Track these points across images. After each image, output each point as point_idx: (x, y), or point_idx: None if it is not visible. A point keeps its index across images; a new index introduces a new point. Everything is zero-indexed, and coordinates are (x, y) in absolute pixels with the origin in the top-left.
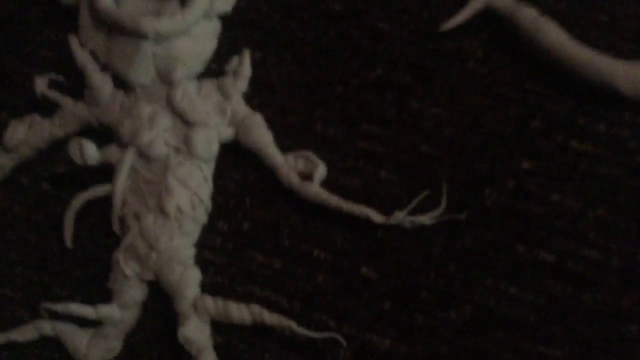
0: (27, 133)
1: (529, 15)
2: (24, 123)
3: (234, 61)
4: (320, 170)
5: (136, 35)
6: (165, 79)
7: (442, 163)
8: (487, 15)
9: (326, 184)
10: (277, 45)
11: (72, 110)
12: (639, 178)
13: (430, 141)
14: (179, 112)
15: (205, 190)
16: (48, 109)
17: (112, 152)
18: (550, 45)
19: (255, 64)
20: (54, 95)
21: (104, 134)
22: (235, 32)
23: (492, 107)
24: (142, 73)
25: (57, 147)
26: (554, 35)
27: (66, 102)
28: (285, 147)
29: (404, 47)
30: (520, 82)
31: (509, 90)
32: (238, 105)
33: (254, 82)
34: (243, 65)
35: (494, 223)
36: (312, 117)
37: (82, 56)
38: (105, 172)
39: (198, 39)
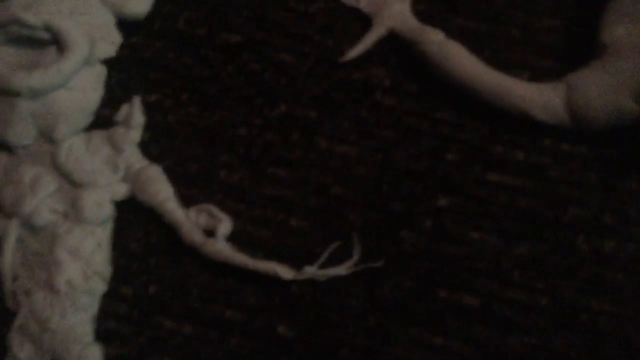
0: None
1: (435, 40)
2: None
3: (124, 109)
4: (224, 226)
5: (9, 92)
6: (48, 137)
7: (355, 206)
8: (393, 41)
9: (234, 235)
10: (173, 85)
11: None
12: (562, 209)
13: (340, 182)
14: (65, 172)
15: (101, 257)
16: None
17: None
18: (459, 71)
19: (150, 108)
20: None
21: None
22: (126, 73)
23: (403, 141)
24: (22, 133)
25: None
26: (462, 60)
27: None
28: (188, 198)
29: (307, 80)
30: (432, 112)
31: (419, 121)
32: (132, 157)
33: (150, 127)
34: (134, 113)
35: (413, 268)
36: (214, 163)
37: None
38: None
39: (80, 89)
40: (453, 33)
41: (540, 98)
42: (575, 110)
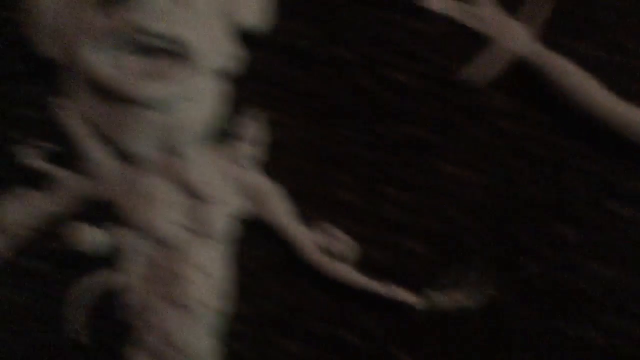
0: (19, 212)
1: (565, 69)
2: (14, 200)
3: (246, 125)
4: (346, 247)
5: (134, 102)
6: (170, 148)
7: (476, 232)
8: (517, 66)
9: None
10: (289, 100)
11: (66, 183)
12: None
13: (459, 207)
14: (189, 187)
15: (225, 274)
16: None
17: (116, 233)
18: (586, 100)
19: (269, 124)
20: (44, 166)
21: (103, 209)
22: (243, 89)
23: (526, 168)
24: (144, 145)
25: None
26: (589, 89)
27: (58, 174)
28: (303, 216)
29: (425, 101)
30: (557, 140)
31: (544, 149)
32: (253, 175)
33: (267, 144)
34: (254, 130)
35: (534, 298)
36: (331, 181)
37: (74, 125)
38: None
39: (203, 102)
40: (575, 60)
41: None
42: None
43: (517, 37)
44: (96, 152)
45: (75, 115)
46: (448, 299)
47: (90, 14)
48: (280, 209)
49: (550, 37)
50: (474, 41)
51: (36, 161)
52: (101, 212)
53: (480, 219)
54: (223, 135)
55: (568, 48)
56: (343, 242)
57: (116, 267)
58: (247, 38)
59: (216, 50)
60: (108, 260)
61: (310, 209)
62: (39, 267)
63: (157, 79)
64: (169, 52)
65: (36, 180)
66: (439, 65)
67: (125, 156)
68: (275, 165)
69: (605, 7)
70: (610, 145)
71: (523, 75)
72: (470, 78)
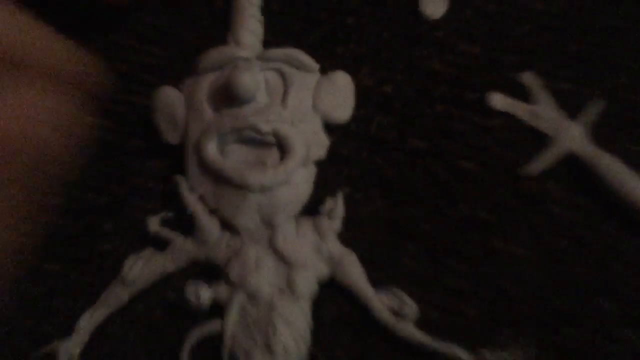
0: (143, 268)
1: (612, 166)
2: (140, 258)
3: (329, 202)
4: (412, 310)
5: (244, 187)
6: (268, 223)
7: (525, 302)
8: (570, 160)
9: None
10: (366, 181)
11: (182, 247)
12: None
13: (511, 279)
14: (281, 254)
15: (306, 326)
16: (160, 242)
17: (221, 290)
18: (630, 193)
19: (345, 200)
20: (166, 233)
21: (210, 268)
22: (324, 168)
23: (572, 248)
24: (248, 220)
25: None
26: (632, 183)
27: (177, 239)
28: (374, 281)
29: (487, 186)
30: (600, 224)
31: (589, 232)
32: (333, 244)
33: (344, 217)
34: (337, 207)
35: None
36: (399, 252)
37: (191, 201)
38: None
39: (297, 185)
40: (626, 159)
41: None
42: None
43: (572, 136)
44: (208, 225)
45: (192, 194)
46: (497, 357)
47: (208, 112)
48: (355, 274)
49: (603, 135)
50: (533, 136)
51: (160, 228)
52: (209, 272)
53: (529, 291)
54: (311, 210)
55: (618, 147)
56: (408, 305)
57: (220, 318)
58: (333, 129)
59: (310, 142)
60: (213, 312)
61: (380, 274)
62: (154, 313)
63: (261, 168)
64: (267, 143)
65: (159, 244)
66: (501, 155)
67: (230, 227)
68: (353, 237)
69: None
70: None
71: (576, 169)
72: (528, 169)
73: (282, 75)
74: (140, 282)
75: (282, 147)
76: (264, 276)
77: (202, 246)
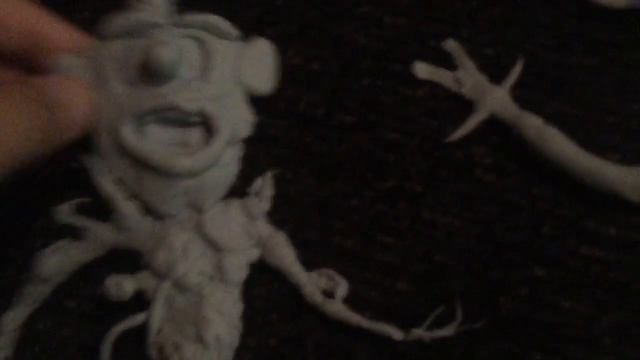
0: (59, 261)
1: (533, 125)
2: (55, 252)
3: (257, 183)
4: (342, 288)
5: (170, 174)
6: (195, 207)
7: (456, 273)
8: (493, 124)
9: (346, 296)
10: (294, 160)
11: (100, 234)
12: None
13: (443, 251)
14: (210, 240)
15: (238, 312)
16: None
17: (145, 280)
18: (555, 154)
19: (274, 180)
20: (79, 221)
21: (132, 256)
22: (253, 149)
23: (502, 214)
24: (174, 206)
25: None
26: (558, 144)
27: (92, 227)
28: (305, 261)
29: (414, 157)
30: (529, 188)
31: (518, 197)
32: (262, 226)
33: (273, 197)
34: (266, 187)
35: (509, 332)
36: (330, 230)
37: (107, 186)
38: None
39: (224, 166)
40: (548, 117)
41: (630, 180)
42: None
43: (494, 99)
44: (126, 210)
45: (108, 179)
46: (432, 334)
47: (117, 87)
48: (285, 255)
49: (525, 96)
50: (456, 102)
51: (72, 217)
52: (131, 260)
53: (462, 262)
54: (238, 192)
55: (542, 106)
56: (340, 284)
57: (146, 309)
58: (257, 106)
59: (236, 119)
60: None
61: (311, 254)
62: (81, 306)
63: (188, 152)
64: (197, 124)
65: (73, 233)
66: (425, 124)
67: (153, 212)
68: (282, 216)
69: (574, 68)
70: (576, 193)
71: (500, 132)
72: (454, 136)
73: (201, 44)
74: (59, 275)
75: (208, 127)
76: (192, 263)
77: (122, 233)
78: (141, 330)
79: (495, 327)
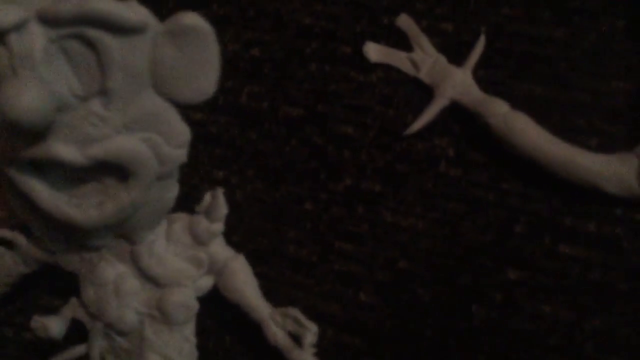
0: None
1: (500, 112)
2: None
3: (206, 199)
4: (310, 335)
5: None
6: (128, 239)
7: (423, 280)
8: (456, 111)
9: (304, 311)
10: (238, 161)
11: (28, 252)
12: (636, 281)
13: (407, 256)
14: (148, 274)
15: (187, 349)
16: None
17: (80, 311)
18: (525, 143)
19: (217, 184)
20: (7, 234)
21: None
22: (192, 150)
23: (469, 213)
24: (99, 242)
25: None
26: (528, 132)
27: (19, 241)
28: (258, 274)
29: (370, 152)
30: (498, 183)
31: (486, 192)
32: (216, 249)
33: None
34: (218, 206)
35: (484, 343)
36: (282, 239)
37: (22, 214)
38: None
39: (155, 201)
40: (517, 100)
41: (609, 170)
42: None
43: (455, 83)
44: (49, 237)
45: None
46: None
47: (9, 147)
48: (245, 287)
49: (490, 77)
50: (414, 88)
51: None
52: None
53: (429, 268)
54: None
55: (509, 88)
56: (308, 329)
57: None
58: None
59: (162, 145)
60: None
61: (263, 266)
62: (20, 335)
63: (99, 203)
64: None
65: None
66: (381, 114)
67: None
68: (228, 224)
69: (543, 41)
70: (550, 186)
71: (464, 121)
72: (412, 128)
73: (92, 46)
74: None
75: (123, 172)
76: (127, 304)
77: (50, 253)
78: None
79: (468, 338)
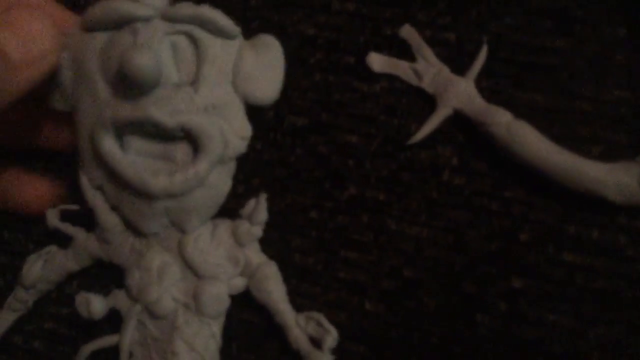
0: (44, 268)
1: (503, 121)
2: (39, 258)
3: (250, 205)
4: (331, 339)
5: (148, 195)
6: (179, 227)
7: (428, 288)
8: (459, 120)
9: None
10: (245, 170)
11: (84, 245)
12: None
13: (412, 264)
14: (190, 264)
15: (213, 347)
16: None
17: (120, 299)
18: (528, 152)
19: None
20: (67, 227)
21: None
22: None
23: (474, 221)
24: (154, 225)
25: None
26: (531, 141)
27: (79, 235)
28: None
29: (375, 161)
30: (502, 191)
31: (490, 201)
32: (252, 253)
33: (224, 213)
34: (259, 210)
35: (489, 352)
36: (288, 247)
37: (90, 195)
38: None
39: (213, 187)
40: (520, 109)
41: (611, 178)
42: None
43: (458, 93)
44: (108, 223)
45: (91, 188)
46: None
47: (102, 88)
48: (274, 291)
49: (493, 87)
50: (417, 98)
51: (58, 222)
52: (113, 274)
53: (433, 275)
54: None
55: (512, 97)
56: (329, 333)
57: (118, 331)
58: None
59: (229, 133)
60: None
61: None
62: (31, 344)
63: (168, 171)
64: (183, 139)
65: (61, 241)
66: (385, 124)
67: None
68: None
69: (546, 51)
70: (554, 194)
71: (467, 130)
72: (416, 137)
73: (194, 42)
74: (43, 284)
75: (195, 144)
76: (166, 289)
77: (104, 245)
78: (115, 352)
79: (472, 347)
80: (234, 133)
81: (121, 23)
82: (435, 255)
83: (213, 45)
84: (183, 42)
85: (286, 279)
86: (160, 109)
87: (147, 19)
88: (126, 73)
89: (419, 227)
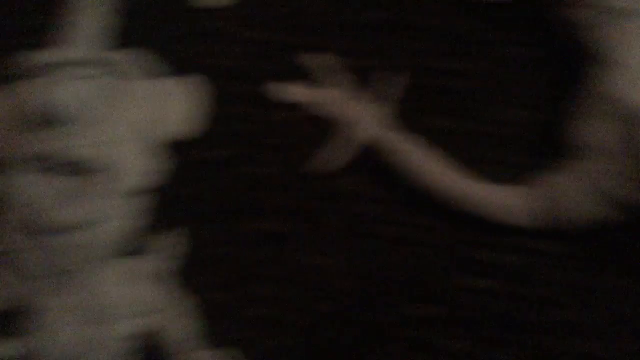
0: None
1: (408, 147)
2: None
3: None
4: None
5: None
6: (71, 269)
7: (338, 320)
8: (366, 147)
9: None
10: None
11: None
12: (543, 312)
13: (323, 297)
14: (85, 307)
15: None
16: None
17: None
18: (425, 178)
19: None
20: None
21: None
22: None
23: (381, 249)
24: (43, 265)
25: None
26: (435, 170)
27: None
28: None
29: (280, 191)
30: (408, 218)
31: (398, 229)
32: (157, 291)
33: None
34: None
35: None
36: (197, 284)
37: None
38: None
39: (109, 223)
40: (427, 133)
41: (500, 201)
42: (539, 213)
43: (367, 120)
44: None
45: None
46: None
47: (15, 138)
48: (180, 333)
49: (406, 113)
50: (325, 126)
51: None
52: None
53: (343, 306)
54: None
55: (424, 123)
56: None
57: None
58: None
59: (135, 165)
60: None
61: None
62: None
63: (70, 203)
64: (88, 172)
65: None
66: (292, 154)
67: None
68: None
69: (458, 77)
70: (465, 221)
71: (372, 157)
72: (322, 165)
73: (107, 85)
74: None
75: (101, 176)
76: (63, 335)
77: None
78: None
79: None
80: (137, 167)
81: (38, 71)
82: (345, 287)
83: (124, 84)
84: (95, 86)
85: (197, 316)
86: (66, 142)
87: (64, 65)
88: (44, 104)
89: (327, 259)
